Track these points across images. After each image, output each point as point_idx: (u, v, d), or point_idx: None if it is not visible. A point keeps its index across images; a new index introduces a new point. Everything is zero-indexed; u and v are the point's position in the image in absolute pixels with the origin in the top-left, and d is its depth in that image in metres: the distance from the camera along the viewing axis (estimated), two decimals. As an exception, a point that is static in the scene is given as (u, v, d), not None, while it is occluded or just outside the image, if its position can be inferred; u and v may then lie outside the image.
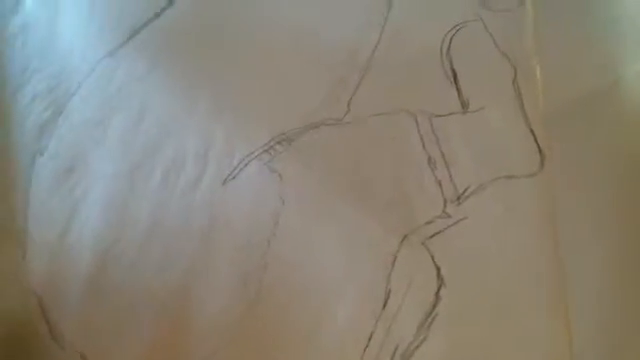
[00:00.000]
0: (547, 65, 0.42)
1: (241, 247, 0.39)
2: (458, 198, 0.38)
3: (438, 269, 0.36)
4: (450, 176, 0.39)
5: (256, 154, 0.42)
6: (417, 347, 0.34)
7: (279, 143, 0.42)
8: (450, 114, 0.41)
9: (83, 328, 0.38)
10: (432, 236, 0.37)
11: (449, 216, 0.37)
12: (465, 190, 0.38)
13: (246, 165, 0.42)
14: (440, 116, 0.41)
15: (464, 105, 0.42)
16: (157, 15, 0.47)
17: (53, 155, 0.45)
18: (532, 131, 0.40)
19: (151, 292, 0.38)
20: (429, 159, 0.40)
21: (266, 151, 0.42)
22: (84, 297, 0.39)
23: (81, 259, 0.41)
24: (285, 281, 0.37)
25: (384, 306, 0.35)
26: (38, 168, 0.45)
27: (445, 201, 0.38)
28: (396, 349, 0.34)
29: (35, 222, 0.43)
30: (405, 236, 0.37)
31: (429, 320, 0.34)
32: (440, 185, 0.39)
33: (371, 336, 0.34)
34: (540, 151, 0.39)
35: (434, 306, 0.35)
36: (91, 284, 0.39)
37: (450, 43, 0.41)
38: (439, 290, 0.35)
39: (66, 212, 0.43)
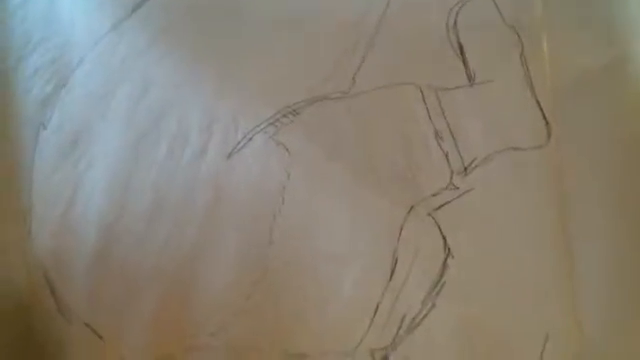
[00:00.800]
0: (554, 39, 0.42)
1: (247, 221, 0.39)
2: (465, 169, 0.38)
3: (445, 239, 0.36)
4: (457, 148, 0.39)
5: (261, 127, 0.42)
6: (425, 316, 0.34)
7: (285, 116, 0.42)
8: (457, 87, 0.41)
9: (89, 301, 0.38)
10: (439, 207, 0.37)
11: (456, 187, 0.37)
12: (472, 162, 0.38)
13: (251, 139, 0.42)
14: (447, 89, 0.41)
15: (470, 78, 0.41)
16: (160, -12, 0.47)
17: (56, 128, 0.45)
18: (539, 103, 0.39)
19: (157, 266, 0.38)
20: (435, 132, 0.40)
21: (271, 124, 0.42)
22: (90, 271, 0.39)
23: (86, 233, 0.41)
24: (291, 255, 0.37)
25: (391, 276, 0.35)
26: (41, 142, 0.45)
27: (452, 173, 0.38)
28: (404, 318, 0.34)
29: (39, 197, 0.43)
30: (412, 207, 0.37)
31: (436, 289, 0.34)
32: (447, 157, 0.38)
33: (378, 306, 0.34)
34: (547, 123, 0.38)
35: (441, 275, 0.35)
36: (97, 258, 0.39)
37: (457, 16, 0.41)
38: (446, 260, 0.35)
39: (70, 186, 0.43)
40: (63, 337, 0.37)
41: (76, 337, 0.36)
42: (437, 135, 0.39)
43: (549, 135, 0.38)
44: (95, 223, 0.41)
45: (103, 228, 0.40)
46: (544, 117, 0.39)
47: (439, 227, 0.36)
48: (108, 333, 0.36)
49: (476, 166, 0.38)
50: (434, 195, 0.37)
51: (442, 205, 0.37)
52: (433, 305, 0.34)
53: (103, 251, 0.39)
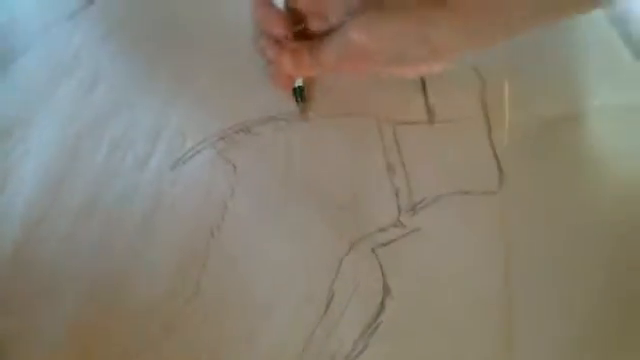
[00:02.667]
0: (516, 86, 0.42)
1: (184, 235, 0.37)
2: (413, 208, 0.37)
3: (385, 278, 0.34)
4: (408, 185, 0.38)
5: (211, 141, 0.40)
6: (356, 356, 0.32)
7: (237, 132, 0.41)
8: (414, 123, 0.41)
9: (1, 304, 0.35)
10: (383, 244, 0.36)
11: (403, 226, 0.36)
12: (421, 201, 0.37)
13: (199, 151, 0.40)
14: (404, 123, 0.41)
15: (430, 114, 0.41)
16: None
17: (-8, 113, 0.42)
18: (494, 149, 0.39)
19: (82, 271, 0.36)
20: (388, 166, 0.39)
21: (222, 139, 0.40)
22: (5, 270, 0.36)
23: (9, 228, 0.38)
24: (226, 276, 0.35)
25: (326, 310, 0.34)
26: (-28, 125, 0.42)
27: (400, 210, 0.37)
28: (335, 354, 0.32)
29: (-37, 182, 0.40)
30: (355, 241, 0.36)
31: (371, 329, 0.33)
32: (397, 194, 0.38)
33: (310, 339, 0.33)
34: (500, 170, 0.38)
35: (377, 315, 0.33)
36: (15, 257, 0.36)
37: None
38: (384, 299, 0.34)
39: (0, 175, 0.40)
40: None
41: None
42: (390, 169, 0.39)
43: (501, 182, 0.38)
44: (20, 217, 0.38)
45: (28, 223, 0.38)
46: (498, 163, 0.39)
47: (380, 265, 0.35)
48: (11, 339, 0.33)
49: (425, 206, 0.37)
50: (380, 231, 0.36)
51: (387, 243, 0.36)
52: (365, 346, 0.32)
53: (24, 249, 0.37)
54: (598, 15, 0.44)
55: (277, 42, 0.38)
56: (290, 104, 0.41)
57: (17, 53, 0.45)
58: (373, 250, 0.36)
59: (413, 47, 0.33)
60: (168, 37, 0.44)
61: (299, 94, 0.40)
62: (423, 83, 0.42)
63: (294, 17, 0.38)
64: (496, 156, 0.39)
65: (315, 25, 0.38)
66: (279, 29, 0.38)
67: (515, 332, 0.33)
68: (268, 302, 0.34)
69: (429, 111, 0.41)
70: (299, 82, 0.40)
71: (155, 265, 0.36)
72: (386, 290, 0.34)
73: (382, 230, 0.36)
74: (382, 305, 0.34)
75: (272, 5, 0.38)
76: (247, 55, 0.42)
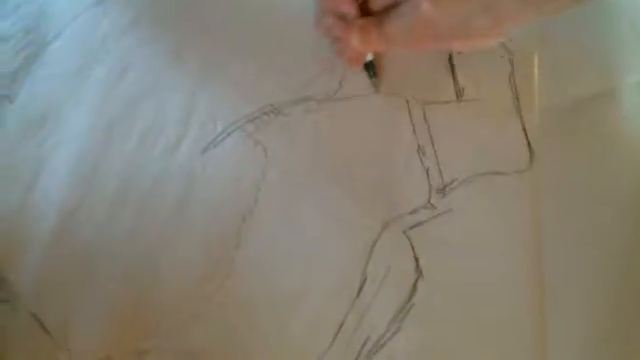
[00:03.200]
0: (546, 64, 0.41)
1: (216, 220, 0.37)
2: (444, 189, 0.37)
3: (417, 260, 0.35)
4: (438, 165, 0.38)
5: (240, 123, 0.41)
6: (389, 338, 0.33)
7: (266, 114, 0.41)
8: (444, 102, 0.40)
9: (39, 289, 0.36)
10: (414, 226, 0.36)
11: (434, 207, 0.36)
12: (452, 181, 0.37)
13: (229, 134, 0.40)
14: (433, 103, 0.40)
15: (459, 95, 0.40)
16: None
17: (24, 104, 0.43)
18: (524, 128, 0.39)
19: (117, 258, 0.37)
20: (418, 146, 0.38)
21: (251, 121, 0.41)
22: (44, 257, 0.37)
23: (45, 217, 0.39)
24: (257, 263, 0.36)
25: (358, 293, 0.34)
26: (6, 115, 0.43)
27: (430, 191, 0.37)
28: (368, 338, 0.33)
29: (-2, 173, 0.41)
30: (387, 223, 0.36)
31: (404, 311, 0.33)
32: (427, 174, 0.37)
33: (343, 323, 0.33)
34: (530, 149, 0.38)
35: (410, 297, 0.34)
36: (53, 244, 0.37)
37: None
38: (417, 281, 0.34)
39: (33, 166, 0.41)
40: (6, 324, 0.35)
41: (20, 327, 0.34)
42: (419, 149, 0.38)
43: (531, 161, 0.37)
44: (56, 206, 0.39)
45: (63, 214, 0.38)
46: (528, 142, 0.38)
47: (412, 247, 0.35)
48: (55, 327, 0.34)
49: (456, 187, 0.37)
50: (411, 213, 0.36)
51: (418, 224, 0.36)
52: (399, 328, 0.33)
53: (60, 237, 0.37)
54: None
55: (343, 19, 0.38)
56: (320, 84, 0.40)
57: (47, 42, 0.46)
58: (404, 232, 0.36)
59: (478, 16, 0.32)
60: (196, 20, 0.44)
61: (371, 69, 0.40)
62: (452, 63, 0.41)
63: None
64: (526, 135, 0.38)
65: (379, 1, 0.38)
66: (346, 5, 0.38)
67: (547, 314, 0.33)
68: (300, 287, 0.35)
69: (458, 91, 0.41)
70: (369, 57, 0.40)
71: (187, 250, 0.37)
72: (418, 272, 0.34)
73: (413, 212, 0.36)
74: (414, 287, 0.34)
75: None
76: (275, 37, 0.42)
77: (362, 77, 0.41)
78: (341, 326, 0.33)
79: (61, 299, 0.35)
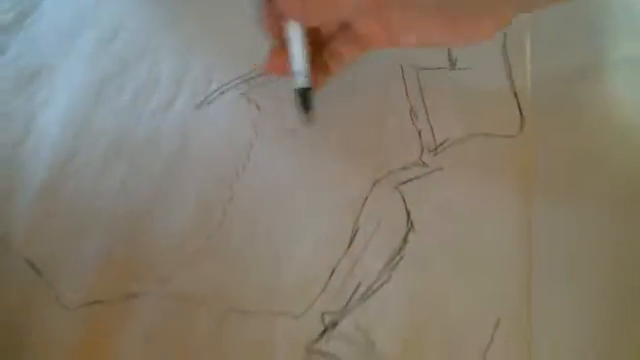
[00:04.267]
0: (538, 34, 0.42)
1: (210, 174, 0.37)
2: (436, 149, 0.37)
3: (408, 213, 0.35)
4: (430, 127, 0.38)
5: (234, 83, 0.41)
6: (380, 286, 0.33)
7: (260, 75, 0.41)
8: (437, 68, 0.41)
9: (32, 235, 0.35)
10: (406, 182, 0.36)
11: (425, 165, 0.37)
12: (444, 142, 0.38)
13: (222, 93, 0.41)
14: (427, 69, 0.41)
15: (452, 62, 0.41)
16: None
17: (15, 57, 0.43)
18: (515, 94, 0.39)
19: (110, 208, 0.36)
20: (411, 108, 0.39)
21: (246, 81, 0.41)
22: (37, 205, 0.36)
23: (36, 167, 0.38)
24: (250, 213, 0.36)
25: (350, 244, 0.34)
26: (-3, 67, 0.42)
27: (422, 150, 0.37)
28: (359, 285, 0.33)
29: (-12, 122, 0.40)
30: (379, 179, 0.36)
31: (394, 262, 0.34)
32: (419, 134, 0.38)
33: (334, 271, 0.33)
34: (521, 114, 0.39)
35: (400, 249, 0.34)
36: (45, 192, 0.37)
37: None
38: (407, 234, 0.34)
39: (24, 118, 0.40)
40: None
41: (11, 269, 0.34)
42: (412, 112, 0.39)
43: (522, 126, 0.38)
44: (47, 158, 0.38)
45: (55, 165, 0.38)
46: (519, 108, 0.39)
47: (404, 201, 0.35)
48: (46, 269, 0.34)
49: (447, 147, 0.38)
50: (402, 169, 0.36)
51: (409, 180, 0.36)
52: (389, 277, 0.33)
53: (52, 187, 0.37)
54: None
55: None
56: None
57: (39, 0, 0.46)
58: (396, 187, 0.36)
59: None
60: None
61: (306, 99, 0.36)
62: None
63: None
64: (518, 101, 0.39)
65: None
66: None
67: (534, 267, 0.34)
68: (293, 237, 0.35)
69: (451, 58, 0.41)
70: (305, 83, 0.35)
71: (180, 204, 0.37)
72: (409, 225, 0.35)
73: (405, 168, 0.37)
74: (405, 240, 0.34)
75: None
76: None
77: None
78: (332, 273, 0.33)
79: (53, 244, 0.35)
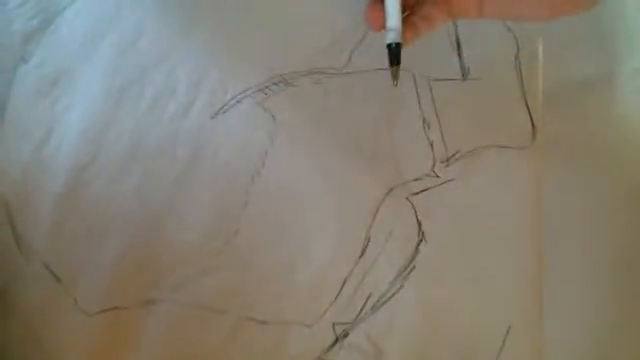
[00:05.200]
0: (550, 46, 0.42)
1: (225, 181, 0.38)
2: (448, 160, 0.38)
3: (420, 224, 0.36)
4: (442, 138, 0.39)
5: (250, 92, 0.41)
6: (391, 297, 0.34)
7: (275, 84, 0.42)
8: (449, 79, 0.41)
9: (51, 240, 0.36)
10: (418, 193, 0.37)
11: (437, 176, 0.37)
12: (455, 153, 0.38)
13: (239, 101, 0.41)
14: (439, 80, 0.41)
15: (464, 73, 0.42)
16: None
17: (38, 64, 0.44)
18: (527, 105, 0.40)
19: (125, 213, 0.37)
20: (424, 119, 0.40)
21: (261, 90, 0.41)
22: (55, 210, 0.37)
23: (56, 173, 0.39)
24: (264, 221, 0.37)
25: (362, 254, 0.35)
26: (20, 75, 0.43)
27: (434, 161, 0.38)
28: (370, 296, 0.34)
29: (11, 129, 0.41)
30: (391, 189, 0.37)
31: (406, 272, 0.34)
32: (432, 145, 0.39)
33: (346, 280, 0.34)
34: (533, 125, 0.39)
35: (412, 259, 0.35)
36: (63, 199, 0.38)
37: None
38: (419, 244, 0.35)
39: (45, 125, 0.41)
40: (19, 273, 0.35)
41: (32, 276, 0.35)
42: (425, 123, 0.39)
43: (533, 137, 0.39)
44: (66, 164, 0.39)
45: (74, 170, 0.39)
46: (531, 119, 0.39)
47: (415, 212, 0.36)
48: (66, 275, 0.35)
49: (459, 158, 0.38)
50: (415, 180, 0.37)
51: (421, 191, 0.37)
52: (400, 287, 0.34)
53: (71, 192, 0.38)
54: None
55: None
56: (329, 56, 0.41)
57: (62, 7, 0.47)
58: (408, 198, 0.37)
59: None
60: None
61: (395, 53, 0.37)
62: (458, 42, 0.43)
63: None
64: (529, 112, 0.40)
65: None
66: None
67: (545, 276, 0.34)
68: (306, 245, 0.36)
69: (463, 69, 0.42)
70: (397, 38, 0.36)
71: (195, 210, 0.37)
72: (420, 235, 0.35)
73: (417, 179, 0.37)
74: (417, 250, 0.35)
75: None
76: (286, 8, 0.43)
77: (372, 52, 0.42)
78: (344, 283, 0.34)
79: (72, 251, 0.36)
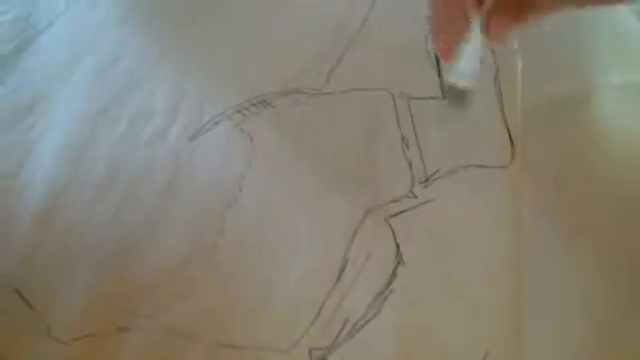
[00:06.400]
0: (527, 64, 0.42)
1: (201, 206, 0.38)
2: (426, 180, 0.38)
3: (398, 247, 0.35)
4: (421, 157, 0.38)
5: (228, 113, 0.41)
6: (368, 321, 0.33)
7: (253, 105, 0.41)
8: (429, 98, 0.41)
9: (24, 267, 0.36)
10: (396, 214, 0.36)
11: (415, 197, 0.37)
12: (434, 173, 0.38)
13: (216, 123, 0.41)
14: (418, 99, 0.41)
15: (443, 91, 0.41)
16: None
17: (13, 89, 0.43)
18: (507, 124, 0.40)
19: (101, 239, 0.37)
20: (402, 138, 0.39)
21: (239, 112, 0.41)
22: (29, 236, 0.37)
23: (31, 199, 0.39)
24: (240, 246, 0.36)
25: (339, 277, 0.34)
26: (-5, 99, 0.43)
27: (413, 181, 0.38)
28: (346, 320, 0.33)
29: (-16, 154, 0.41)
30: (369, 211, 0.36)
31: (383, 296, 0.34)
32: (410, 165, 0.38)
33: (323, 305, 0.33)
34: (512, 144, 0.39)
35: (389, 283, 0.34)
36: (37, 224, 0.37)
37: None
38: (396, 267, 0.34)
39: (20, 151, 0.41)
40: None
41: (2, 300, 0.34)
42: (403, 142, 0.39)
43: (513, 156, 0.38)
44: (41, 189, 0.39)
45: (49, 195, 0.39)
46: (510, 138, 0.39)
47: (393, 234, 0.35)
48: (38, 302, 0.34)
49: (438, 178, 0.38)
50: (393, 201, 0.37)
51: (400, 212, 0.36)
52: (378, 311, 0.33)
53: (46, 218, 0.37)
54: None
55: None
56: (307, 78, 0.41)
57: (39, 31, 0.47)
58: (386, 220, 0.36)
59: None
60: (188, 13, 0.45)
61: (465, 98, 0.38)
62: (437, 60, 0.43)
63: None
64: (508, 131, 0.39)
65: None
66: None
67: (524, 302, 0.34)
68: (282, 269, 0.35)
69: (443, 88, 0.42)
70: (469, 83, 0.37)
71: (171, 235, 0.37)
72: (399, 259, 0.35)
73: (395, 200, 0.37)
74: (394, 273, 0.35)
75: None
76: (264, 29, 0.43)
77: (349, 73, 0.42)
78: (321, 308, 0.33)
79: (45, 277, 0.35)
